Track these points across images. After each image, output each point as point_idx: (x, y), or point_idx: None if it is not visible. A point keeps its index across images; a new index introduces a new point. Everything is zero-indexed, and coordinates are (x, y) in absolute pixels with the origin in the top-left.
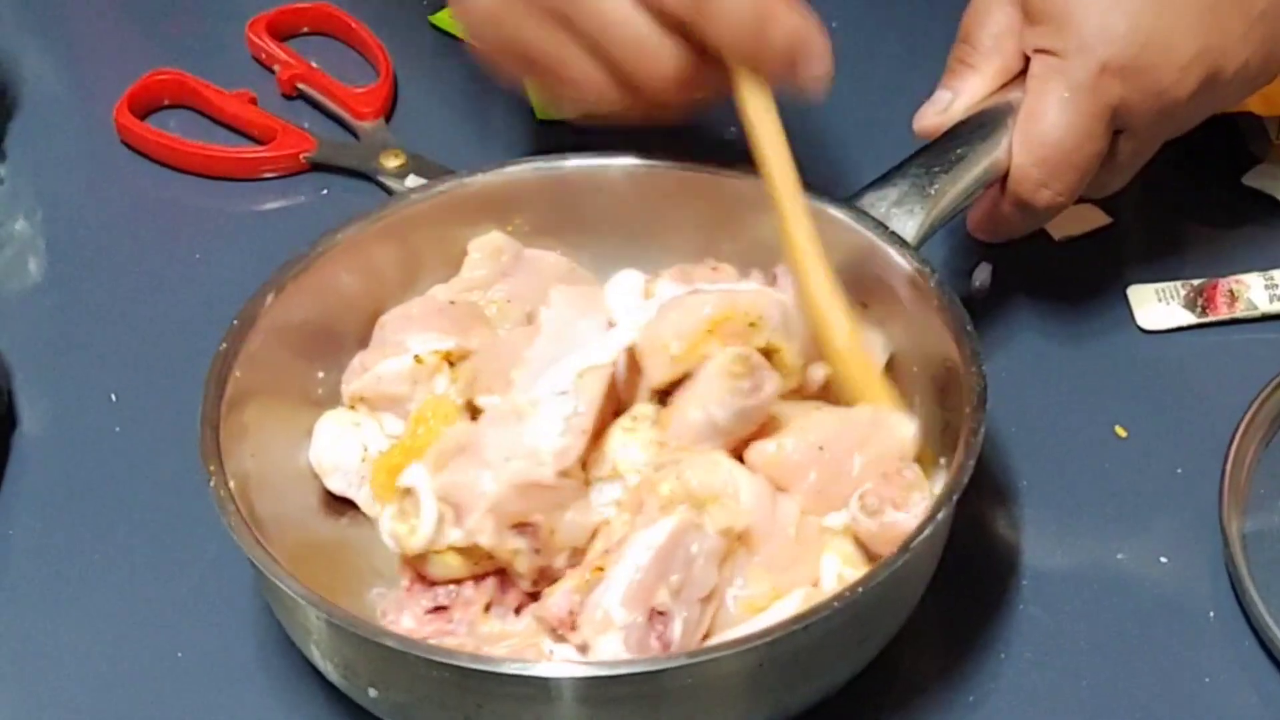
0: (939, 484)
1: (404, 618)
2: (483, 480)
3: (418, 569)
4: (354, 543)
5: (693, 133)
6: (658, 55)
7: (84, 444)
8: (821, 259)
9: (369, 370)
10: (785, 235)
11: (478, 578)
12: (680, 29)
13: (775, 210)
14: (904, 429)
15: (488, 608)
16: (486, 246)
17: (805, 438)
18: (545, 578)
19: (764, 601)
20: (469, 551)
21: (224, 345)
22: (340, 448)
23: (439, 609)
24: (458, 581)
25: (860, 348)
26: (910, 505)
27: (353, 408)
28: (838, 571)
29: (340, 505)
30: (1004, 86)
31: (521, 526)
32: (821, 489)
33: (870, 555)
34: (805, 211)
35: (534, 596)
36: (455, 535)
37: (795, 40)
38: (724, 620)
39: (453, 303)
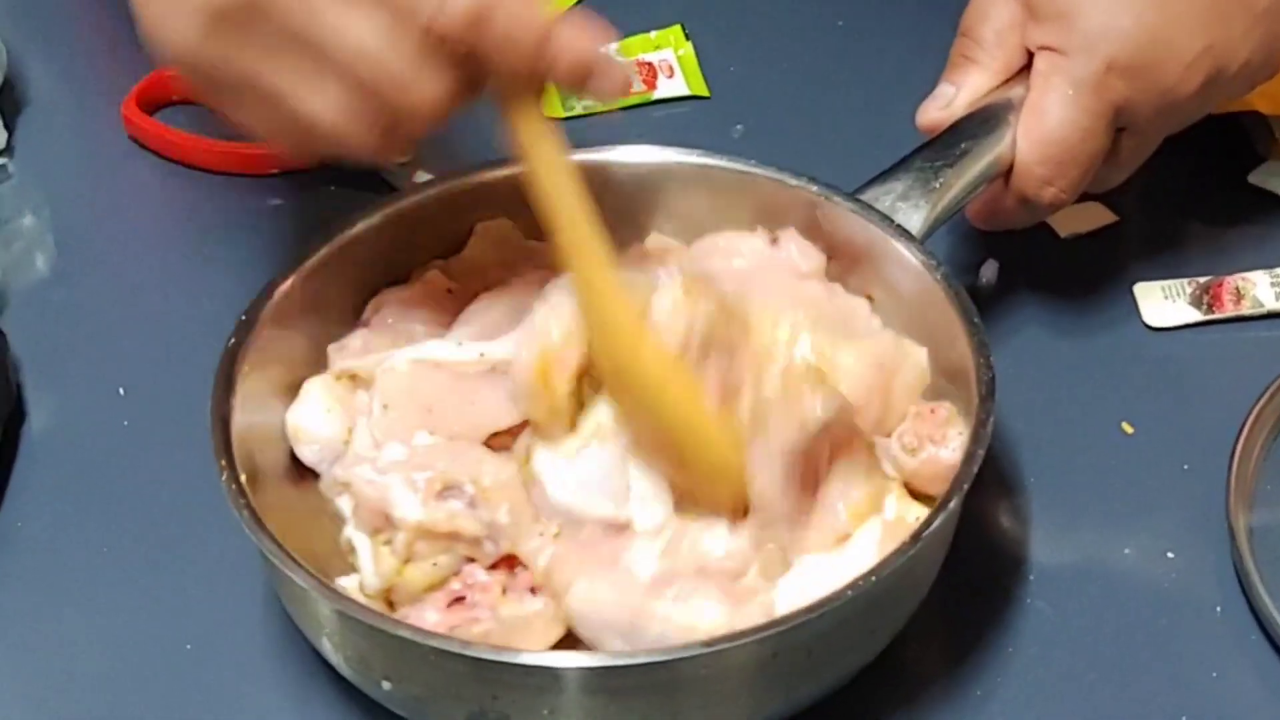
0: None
1: (427, 613)
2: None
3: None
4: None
5: (696, 127)
6: (420, 85)
7: (92, 438)
8: (625, 300)
9: (372, 353)
10: (580, 285)
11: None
12: (444, 52)
13: (563, 255)
14: (920, 357)
15: (504, 591)
16: (493, 232)
17: (866, 361)
18: (500, 534)
19: (865, 508)
20: (419, 561)
21: (233, 340)
22: (326, 420)
23: (457, 600)
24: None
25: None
26: (948, 440)
27: (338, 379)
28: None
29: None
30: (1006, 82)
31: (446, 490)
32: (878, 416)
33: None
34: (601, 259)
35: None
36: (398, 538)
37: (583, 59)
38: (831, 526)
39: (450, 291)
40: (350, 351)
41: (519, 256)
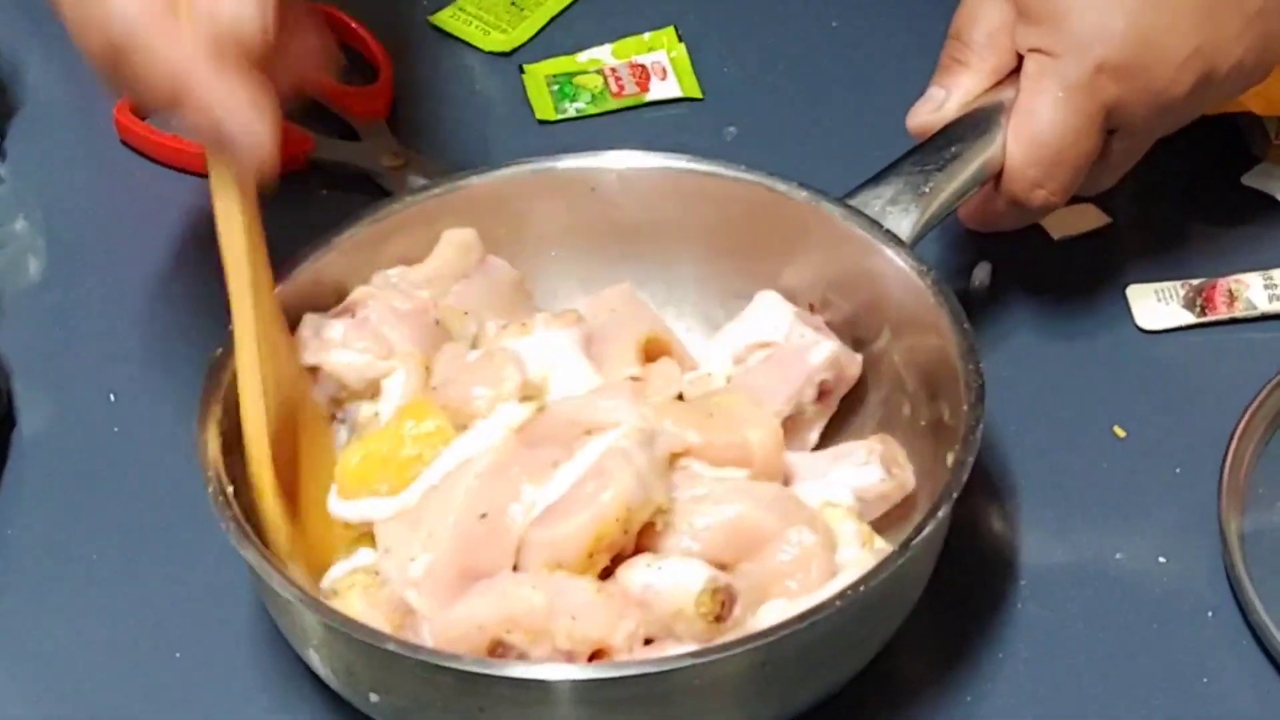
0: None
1: None
2: None
3: None
4: None
5: (689, 129)
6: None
7: (83, 443)
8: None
9: (344, 348)
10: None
11: None
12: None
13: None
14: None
15: None
16: (458, 241)
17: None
18: None
19: None
20: None
21: (219, 351)
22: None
23: None
24: None
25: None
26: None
27: None
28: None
29: None
30: (997, 85)
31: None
32: None
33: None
34: (253, 318)
35: None
36: None
37: (216, 120)
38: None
39: (438, 322)
40: (325, 345)
41: (479, 269)
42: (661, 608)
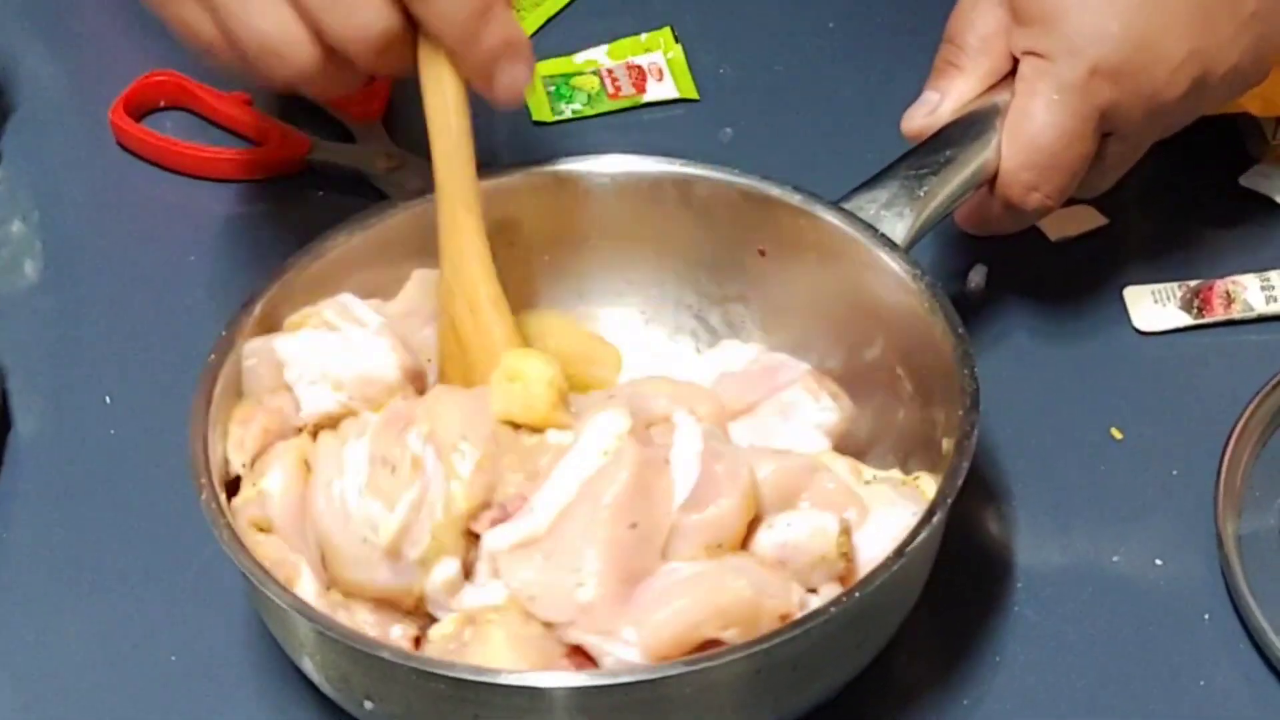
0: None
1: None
2: None
3: None
4: None
5: (685, 130)
6: (364, 11)
7: (79, 446)
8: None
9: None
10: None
11: None
12: None
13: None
14: None
15: None
16: (429, 281)
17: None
18: None
19: None
20: None
21: (213, 357)
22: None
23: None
24: None
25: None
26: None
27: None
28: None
29: None
30: (992, 88)
31: None
32: None
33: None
34: (474, 217)
35: None
36: None
37: (508, 40)
38: None
39: (430, 360)
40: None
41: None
42: (802, 560)
